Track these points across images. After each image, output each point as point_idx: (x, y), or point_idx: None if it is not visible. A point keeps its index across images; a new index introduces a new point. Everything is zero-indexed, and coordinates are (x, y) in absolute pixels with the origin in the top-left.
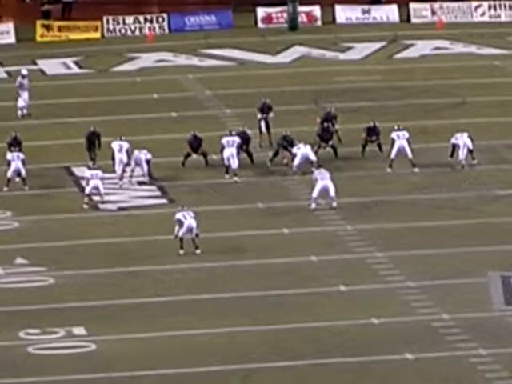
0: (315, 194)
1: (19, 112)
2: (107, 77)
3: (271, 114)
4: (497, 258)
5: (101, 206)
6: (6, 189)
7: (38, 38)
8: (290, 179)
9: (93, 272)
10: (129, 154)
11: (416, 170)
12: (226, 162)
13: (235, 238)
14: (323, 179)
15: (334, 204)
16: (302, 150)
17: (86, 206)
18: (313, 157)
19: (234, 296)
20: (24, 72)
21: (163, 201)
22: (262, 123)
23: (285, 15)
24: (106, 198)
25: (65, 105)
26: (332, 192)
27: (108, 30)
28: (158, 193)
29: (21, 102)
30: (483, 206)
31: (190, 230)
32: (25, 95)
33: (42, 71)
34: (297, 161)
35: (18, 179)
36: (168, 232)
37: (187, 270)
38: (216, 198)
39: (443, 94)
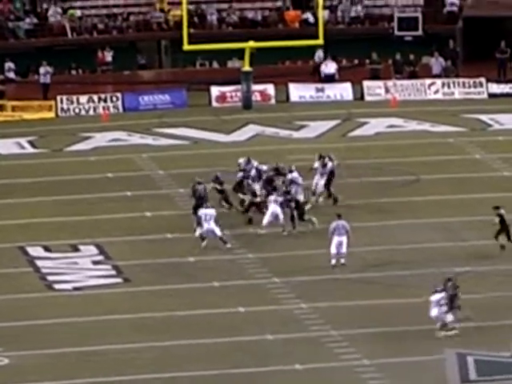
0: (332, 249)
1: None
2: (61, 156)
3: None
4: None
5: (56, 286)
6: None
7: None
8: (245, 258)
9: (49, 352)
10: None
11: None
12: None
13: (190, 317)
14: (340, 235)
15: (343, 261)
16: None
17: None
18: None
19: (189, 375)
20: None
21: (118, 280)
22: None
23: (239, 94)
24: (62, 277)
25: (18, 185)
26: (344, 248)
27: (62, 109)
28: (113, 272)
29: None
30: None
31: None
32: None
33: None
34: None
35: None
36: (123, 311)
37: (142, 349)
38: (171, 276)
39: (397, 172)
